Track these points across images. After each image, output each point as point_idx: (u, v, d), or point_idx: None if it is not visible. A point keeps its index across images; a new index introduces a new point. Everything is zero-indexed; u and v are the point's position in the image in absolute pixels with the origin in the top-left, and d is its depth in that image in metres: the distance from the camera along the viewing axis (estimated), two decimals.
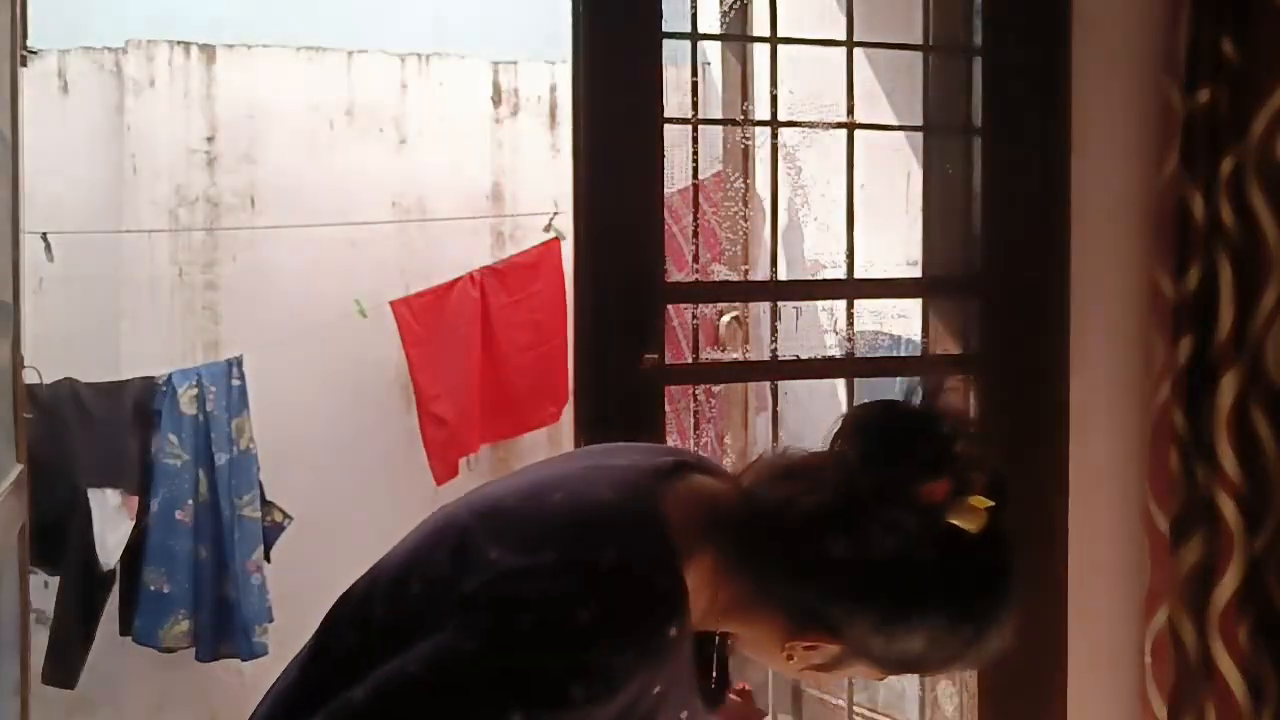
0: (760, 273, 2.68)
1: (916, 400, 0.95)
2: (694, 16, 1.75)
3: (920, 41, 1.88)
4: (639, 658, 0.88)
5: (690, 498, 0.97)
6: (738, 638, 1.04)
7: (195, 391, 3.76)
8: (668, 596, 0.89)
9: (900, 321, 2.20)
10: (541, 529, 0.91)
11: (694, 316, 1.91)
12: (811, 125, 1.86)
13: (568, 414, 2.71)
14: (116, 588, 3.73)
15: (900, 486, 0.90)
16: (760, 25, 1.97)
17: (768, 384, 1.92)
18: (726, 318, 2.79)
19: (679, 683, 0.96)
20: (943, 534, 0.89)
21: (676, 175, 1.88)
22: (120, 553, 3.65)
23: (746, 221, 2.20)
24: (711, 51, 3.13)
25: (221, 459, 3.77)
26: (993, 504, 0.90)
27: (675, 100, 1.76)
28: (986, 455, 0.94)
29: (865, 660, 0.96)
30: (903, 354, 2.34)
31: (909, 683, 2.49)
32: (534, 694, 0.85)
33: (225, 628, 3.75)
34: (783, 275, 1.94)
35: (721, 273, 2.36)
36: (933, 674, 0.98)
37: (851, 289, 1.86)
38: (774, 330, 1.82)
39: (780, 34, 1.79)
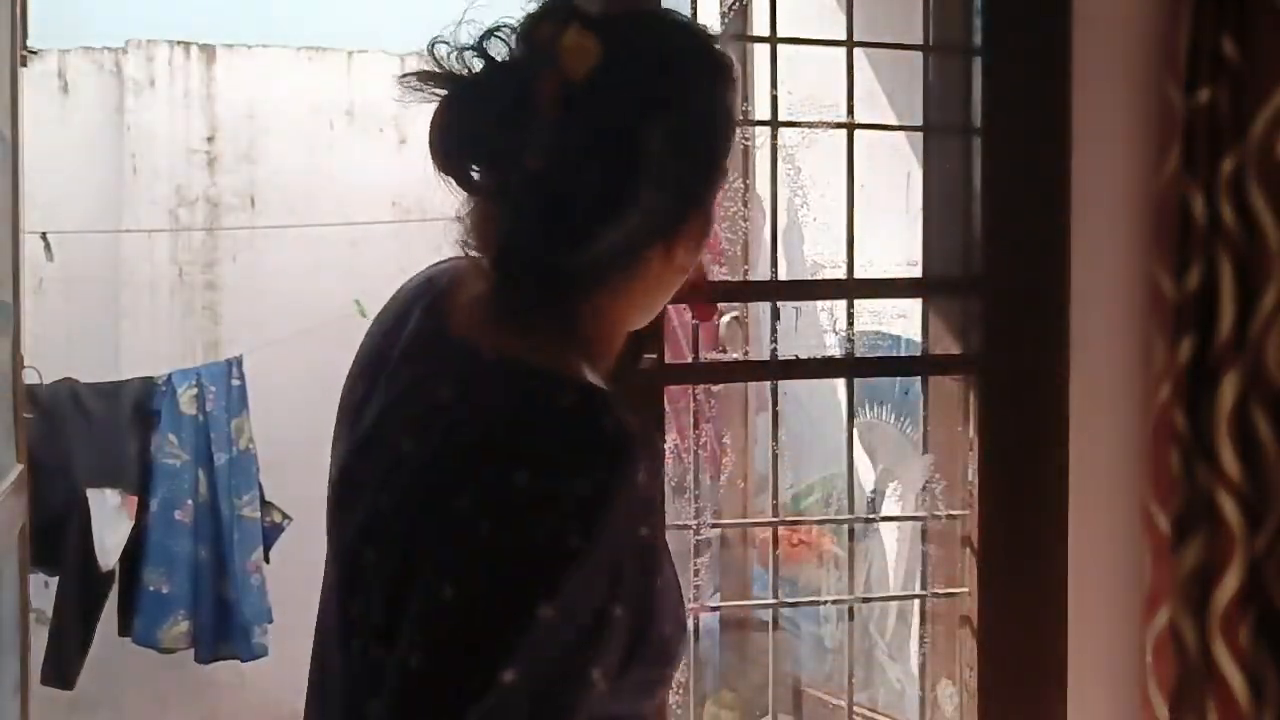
0: (760, 273, 2.68)
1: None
2: (694, 16, 1.75)
3: (920, 41, 1.88)
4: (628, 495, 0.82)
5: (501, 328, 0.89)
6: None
7: (195, 391, 3.76)
8: (608, 439, 0.83)
9: (900, 321, 2.20)
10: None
11: (694, 316, 1.91)
12: (811, 125, 1.86)
13: None
14: (115, 588, 3.73)
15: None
16: (760, 25, 1.97)
17: (768, 384, 1.91)
18: (726, 318, 2.79)
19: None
20: (596, 94, 0.83)
21: None
22: (119, 553, 3.65)
23: (746, 222, 2.19)
24: None
25: (221, 459, 3.77)
26: (570, 31, 0.83)
27: None
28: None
29: (707, 205, 0.92)
30: (903, 354, 2.34)
31: (909, 683, 2.49)
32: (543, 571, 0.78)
33: (224, 628, 3.75)
34: (783, 275, 1.94)
35: (721, 273, 2.36)
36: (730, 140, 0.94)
37: (851, 289, 1.86)
38: (774, 330, 1.82)
39: (780, 34, 1.79)
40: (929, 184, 1.90)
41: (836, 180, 1.84)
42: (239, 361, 3.89)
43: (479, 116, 0.85)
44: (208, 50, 4.28)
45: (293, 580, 3.93)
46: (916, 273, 1.94)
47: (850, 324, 1.88)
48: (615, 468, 0.82)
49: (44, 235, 3.88)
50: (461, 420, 0.85)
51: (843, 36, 1.82)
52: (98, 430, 3.64)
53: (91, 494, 3.60)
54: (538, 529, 0.79)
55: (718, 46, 0.92)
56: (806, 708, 2.61)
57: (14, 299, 2.47)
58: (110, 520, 3.64)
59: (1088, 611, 1.87)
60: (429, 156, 0.88)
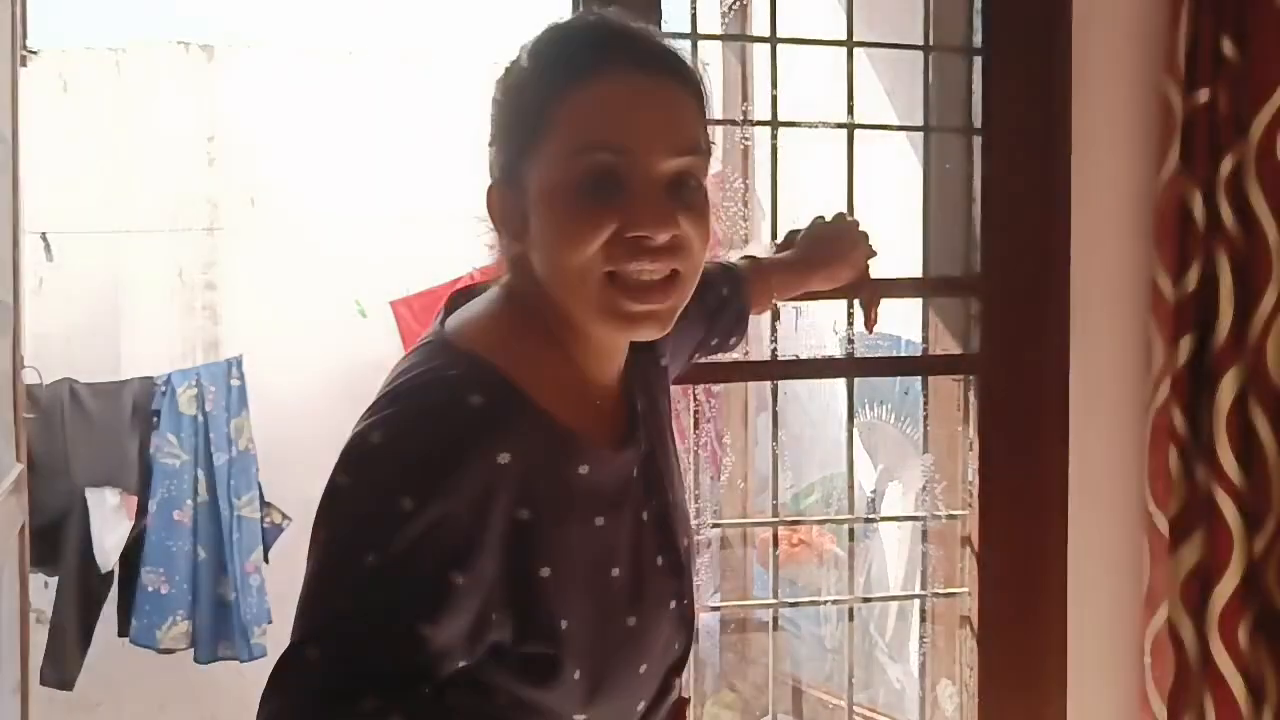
0: None
1: None
2: (694, 16, 1.75)
3: (920, 41, 1.88)
4: (463, 463, 0.85)
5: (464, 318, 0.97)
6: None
7: (194, 391, 3.76)
8: (474, 419, 0.86)
9: (900, 321, 2.20)
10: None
11: None
12: (812, 125, 1.86)
13: None
14: (115, 588, 3.73)
15: None
16: (760, 25, 1.97)
17: (768, 384, 1.92)
18: None
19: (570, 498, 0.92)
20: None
21: None
22: (119, 553, 3.65)
23: (746, 222, 2.19)
24: (711, 51, 3.13)
25: (220, 459, 3.77)
26: None
27: None
28: None
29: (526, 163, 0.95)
30: (903, 354, 2.34)
31: (909, 683, 2.49)
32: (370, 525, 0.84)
33: (224, 629, 3.75)
34: None
35: None
36: None
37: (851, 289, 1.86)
38: (774, 330, 1.82)
39: (780, 34, 1.79)
40: (929, 184, 1.90)
41: (837, 180, 1.84)
42: (239, 361, 3.88)
43: None
44: (208, 50, 4.28)
45: (292, 581, 3.91)
46: (916, 273, 1.94)
47: (850, 324, 1.88)
48: (465, 439, 0.85)
49: (44, 235, 3.88)
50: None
51: (843, 36, 1.82)
52: (97, 430, 3.63)
53: (91, 494, 3.60)
54: (377, 487, 0.84)
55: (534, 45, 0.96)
56: (806, 708, 2.61)
57: (14, 299, 2.47)
58: (109, 520, 3.64)
59: (1087, 611, 1.87)
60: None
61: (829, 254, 1.53)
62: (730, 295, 1.35)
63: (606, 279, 0.89)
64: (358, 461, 0.87)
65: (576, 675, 0.90)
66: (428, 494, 0.83)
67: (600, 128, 0.89)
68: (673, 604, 1.00)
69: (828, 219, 1.59)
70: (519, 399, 0.89)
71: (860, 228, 1.60)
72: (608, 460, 0.95)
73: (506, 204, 0.96)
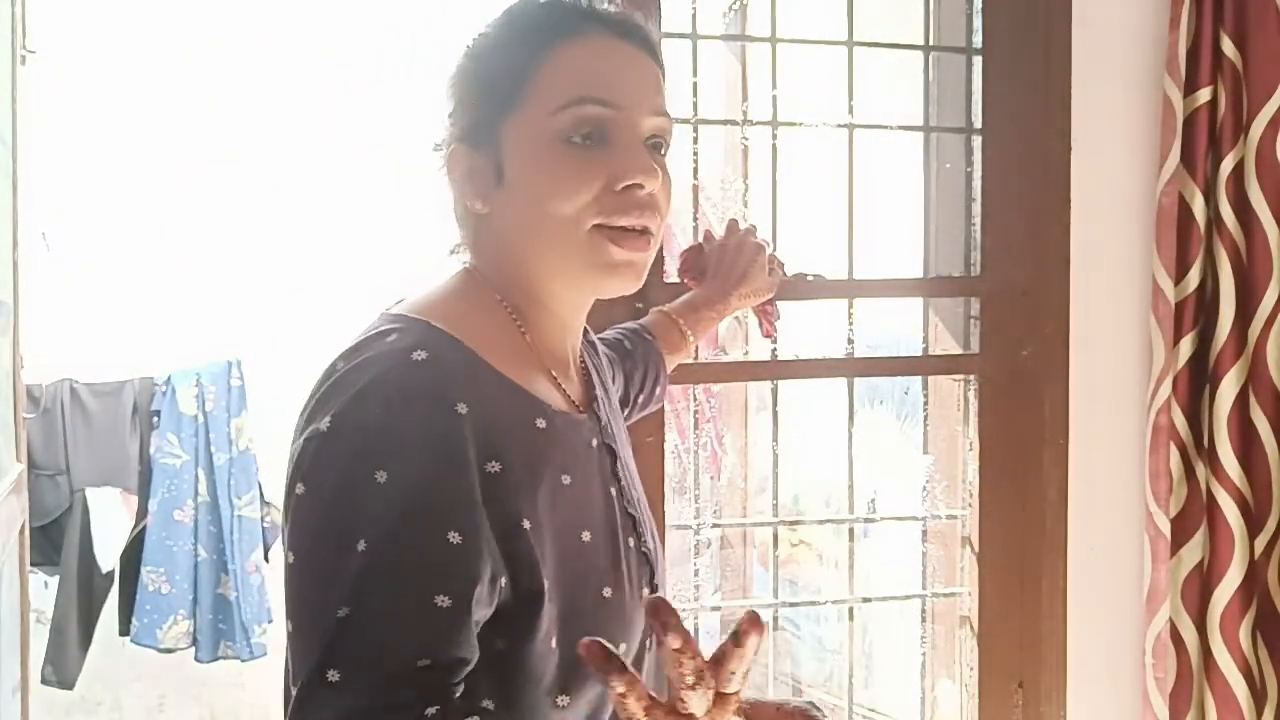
0: None
1: None
2: (694, 16, 1.75)
3: (920, 41, 1.88)
4: (425, 434, 0.82)
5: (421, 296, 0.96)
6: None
7: (195, 391, 3.76)
8: (422, 372, 0.84)
9: (900, 321, 2.20)
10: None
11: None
12: (812, 125, 1.86)
13: None
14: (115, 588, 3.73)
15: None
16: (760, 25, 1.97)
17: (768, 384, 1.92)
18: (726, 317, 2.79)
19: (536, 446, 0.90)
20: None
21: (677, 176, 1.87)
22: (119, 553, 3.65)
23: (746, 222, 2.20)
24: (711, 51, 3.13)
25: (221, 459, 3.77)
26: None
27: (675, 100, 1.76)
28: None
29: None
30: (903, 354, 2.34)
31: (910, 684, 2.49)
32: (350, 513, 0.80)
33: (224, 628, 3.75)
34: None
35: None
36: None
37: (851, 289, 1.87)
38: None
39: (780, 34, 1.79)
40: (929, 184, 1.90)
41: (837, 180, 1.84)
42: (239, 361, 3.88)
43: None
44: (208, 51, 4.28)
45: None
46: (917, 273, 1.94)
47: (850, 324, 1.88)
48: (416, 395, 0.83)
49: (43, 234, 3.88)
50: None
51: (843, 36, 1.82)
52: (98, 430, 3.63)
53: (91, 494, 3.60)
54: (340, 474, 0.82)
55: (509, 14, 0.98)
56: None
57: (14, 299, 2.47)
58: (110, 520, 3.64)
59: (1088, 611, 1.87)
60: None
61: (742, 273, 1.48)
62: (635, 349, 1.36)
63: (594, 230, 0.91)
64: (312, 460, 0.84)
65: (554, 643, 0.87)
66: (394, 459, 0.80)
67: (590, 83, 0.92)
68: (645, 593, 0.99)
69: (717, 238, 1.52)
70: (468, 353, 0.89)
71: (756, 231, 1.52)
72: (565, 419, 0.94)
73: (474, 164, 0.95)
